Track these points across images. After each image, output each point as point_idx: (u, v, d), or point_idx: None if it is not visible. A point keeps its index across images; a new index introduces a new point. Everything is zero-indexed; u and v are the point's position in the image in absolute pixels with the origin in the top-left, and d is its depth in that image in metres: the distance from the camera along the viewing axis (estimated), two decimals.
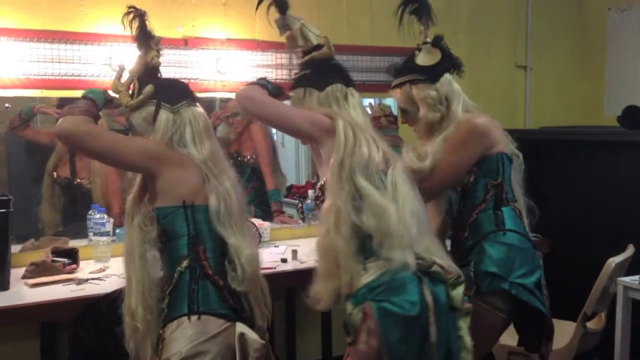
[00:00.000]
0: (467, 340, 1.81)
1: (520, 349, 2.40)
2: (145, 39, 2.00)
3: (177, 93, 1.97)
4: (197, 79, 3.08)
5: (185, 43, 3.05)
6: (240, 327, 1.83)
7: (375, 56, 3.56)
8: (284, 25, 2.07)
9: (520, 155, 2.31)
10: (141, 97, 1.93)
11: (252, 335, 1.83)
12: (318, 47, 2.04)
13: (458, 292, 1.81)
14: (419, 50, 2.30)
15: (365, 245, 1.79)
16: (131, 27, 2.01)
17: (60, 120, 1.87)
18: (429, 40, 2.31)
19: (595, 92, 4.29)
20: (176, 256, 1.86)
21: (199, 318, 1.80)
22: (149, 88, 1.92)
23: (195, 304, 1.81)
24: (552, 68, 4.30)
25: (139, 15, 2.00)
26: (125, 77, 2.02)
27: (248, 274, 1.87)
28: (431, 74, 2.25)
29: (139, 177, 1.99)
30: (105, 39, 2.86)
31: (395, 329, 1.70)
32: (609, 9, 4.19)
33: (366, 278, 1.75)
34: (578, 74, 4.37)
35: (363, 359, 1.74)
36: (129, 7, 2.01)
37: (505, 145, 2.26)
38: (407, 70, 2.31)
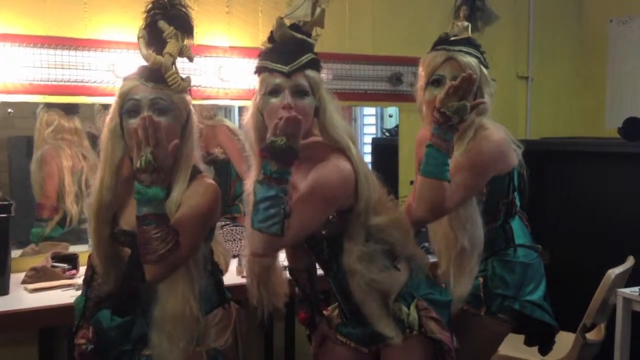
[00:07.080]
0: None
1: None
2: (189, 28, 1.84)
3: None
4: (199, 86, 3.07)
5: None
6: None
7: (377, 65, 3.56)
8: None
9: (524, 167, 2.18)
10: (187, 81, 1.81)
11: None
12: None
13: None
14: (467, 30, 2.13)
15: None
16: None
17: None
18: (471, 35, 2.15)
19: (596, 103, 4.29)
20: None
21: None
22: (188, 78, 1.82)
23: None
24: (553, 79, 4.31)
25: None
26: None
27: None
28: (486, 62, 2.10)
29: None
30: (108, 46, 2.87)
31: (445, 315, 1.89)
32: (610, 20, 4.21)
33: (404, 277, 1.86)
34: (579, 85, 4.38)
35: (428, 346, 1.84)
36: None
37: (515, 157, 2.09)
38: (476, 46, 2.09)
